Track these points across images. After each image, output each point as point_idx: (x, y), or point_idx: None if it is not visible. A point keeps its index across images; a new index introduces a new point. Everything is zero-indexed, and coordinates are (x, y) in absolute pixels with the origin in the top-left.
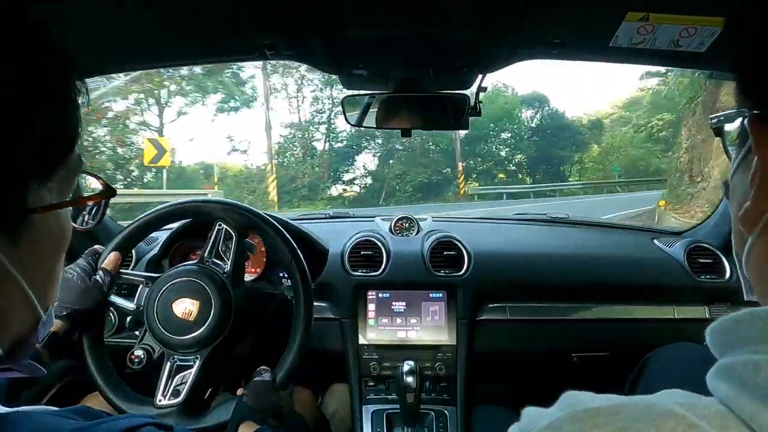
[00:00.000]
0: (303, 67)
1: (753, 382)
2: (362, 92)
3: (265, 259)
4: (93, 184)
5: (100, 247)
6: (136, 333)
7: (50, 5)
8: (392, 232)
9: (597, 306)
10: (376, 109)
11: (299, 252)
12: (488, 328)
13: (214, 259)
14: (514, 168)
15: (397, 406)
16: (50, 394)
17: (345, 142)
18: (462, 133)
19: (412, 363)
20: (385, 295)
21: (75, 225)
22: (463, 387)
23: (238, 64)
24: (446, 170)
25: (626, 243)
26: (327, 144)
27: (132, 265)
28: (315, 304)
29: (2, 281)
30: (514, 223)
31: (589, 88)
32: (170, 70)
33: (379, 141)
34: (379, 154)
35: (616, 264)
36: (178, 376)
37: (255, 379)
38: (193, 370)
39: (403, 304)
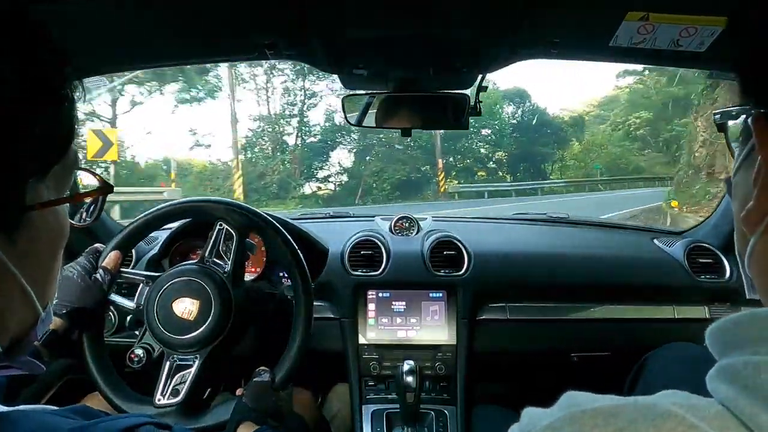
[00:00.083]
0: None
1: (753, 383)
2: (362, 92)
3: (265, 259)
4: (87, 181)
5: (101, 245)
6: (136, 332)
7: (50, 5)
8: (392, 232)
9: (597, 306)
10: (376, 109)
11: (299, 252)
12: (488, 327)
13: (215, 259)
14: (494, 166)
15: (397, 405)
16: (50, 394)
17: (319, 137)
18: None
19: (412, 363)
20: (385, 294)
21: (73, 222)
22: (462, 387)
23: None
24: (425, 167)
25: (626, 243)
26: (299, 139)
27: (132, 264)
28: (315, 303)
29: (1, 278)
30: (514, 223)
31: (567, 85)
32: None
33: (355, 136)
34: (355, 150)
35: (616, 264)
36: (177, 376)
37: (254, 379)
38: (193, 370)
39: (403, 303)
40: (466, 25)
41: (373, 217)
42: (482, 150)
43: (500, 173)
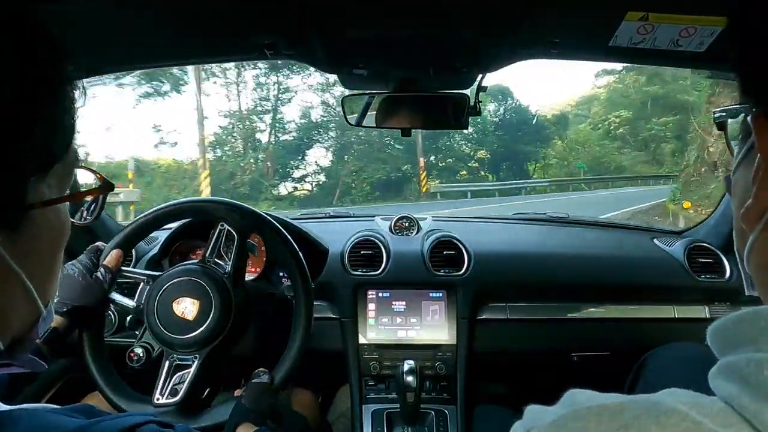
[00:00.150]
0: None
1: (756, 380)
2: (362, 92)
3: (264, 259)
4: (86, 179)
5: (102, 243)
6: (136, 332)
7: (50, 5)
8: (392, 232)
9: (597, 306)
10: (375, 109)
11: (300, 254)
12: (488, 327)
13: (216, 259)
14: (476, 165)
15: (398, 405)
16: (50, 393)
17: (294, 135)
18: None
19: (412, 362)
20: (385, 294)
21: (73, 220)
22: (463, 386)
23: None
24: (406, 167)
25: (626, 243)
26: (272, 136)
27: (132, 264)
28: (315, 303)
29: (3, 277)
30: (514, 222)
31: (548, 83)
32: None
33: (333, 134)
34: (333, 149)
35: (616, 264)
36: (176, 375)
37: (253, 380)
38: (192, 370)
39: (403, 303)
40: (466, 25)
41: (373, 217)
42: (464, 148)
43: (482, 172)
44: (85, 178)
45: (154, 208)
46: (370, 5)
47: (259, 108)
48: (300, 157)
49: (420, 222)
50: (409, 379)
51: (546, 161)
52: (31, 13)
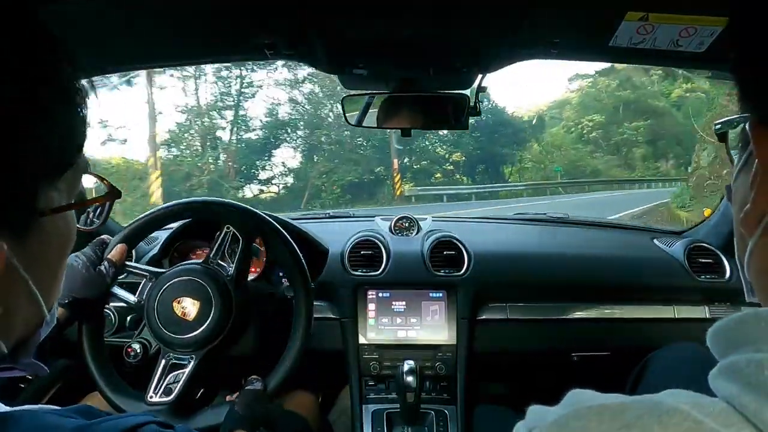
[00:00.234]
0: None
1: (756, 380)
2: (362, 92)
3: (264, 259)
4: (90, 184)
5: (108, 237)
6: (136, 332)
7: (50, 5)
8: (392, 232)
9: (597, 306)
10: (376, 109)
11: (299, 254)
12: (488, 327)
13: (219, 261)
14: (451, 167)
15: (398, 405)
16: (50, 394)
17: (259, 133)
18: None
19: (412, 362)
20: (385, 294)
21: (79, 226)
22: (463, 386)
23: None
24: (379, 168)
25: (626, 243)
26: (234, 134)
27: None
28: (315, 303)
29: (11, 282)
30: (514, 223)
31: (524, 85)
32: None
33: (301, 133)
34: (301, 149)
35: (616, 264)
36: (171, 375)
37: (246, 387)
38: (187, 370)
39: (403, 303)
40: (466, 25)
41: (373, 217)
42: (439, 150)
43: (457, 175)
44: (89, 182)
45: (161, 206)
46: (370, 5)
47: (220, 103)
48: (266, 158)
49: (420, 222)
50: (409, 379)
51: (522, 164)
52: (31, 13)
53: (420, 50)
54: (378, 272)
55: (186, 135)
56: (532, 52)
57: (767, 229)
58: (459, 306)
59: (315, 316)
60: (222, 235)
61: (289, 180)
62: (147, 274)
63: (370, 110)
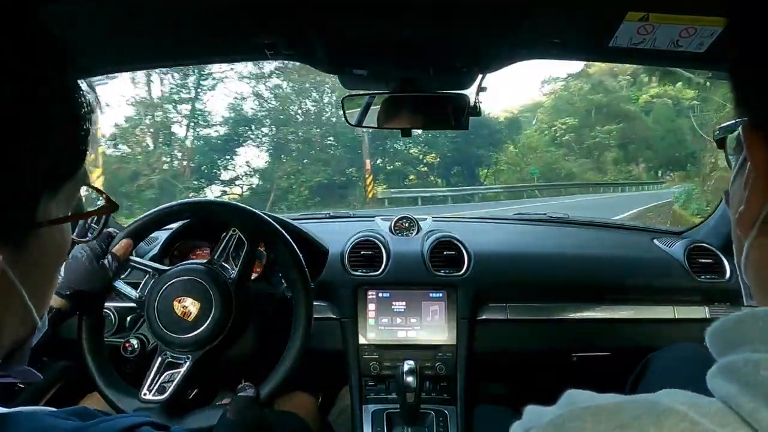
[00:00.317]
0: None
1: (753, 380)
2: (362, 92)
3: (265, 261)
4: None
5: (114, 230)
6: (135, 328)
7: (50, 5)
8: (392, 232)
9: (597, 306)
10: (376, 109)
11: (304, 264)
12: (488, 327)
13: (223, 263)
14: (425, 169)
15: (398, 405)
16: (49, 395)
17: (220, 129)
18: None
19: (412, 363)
20: (385, 294)
21: (74, 237)
22: (463, 387)
23: None
24: (351, 169)
25: (626, 243)
26: (191, 130)
27: None
28: (315, 304)
29: (4, 291)
30: (514, 223)
31: (499, 86)
32: None
33: (266, 130)
34: (267, 147)
35: (616, 264)
36: (166, 373)
37: (238, 394)
38: (182, 370)
39: (403, 303)
40: (466, 25)
41: (374, 217)
42: (413, 151)
43: (431, 177)
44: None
45: (166, 205)
46: (370, 5)
47: (175, 96)
48: (228, 156)
49: (420, 222)
50: (409, 379)
51: (497, 167)
52: (31, 13)
53: (420, 50)
54: (378, 272)
55: (136, 130)
56: (532, 52)
57: (762, 230)
58: (459, 306)
59: (315, 316)
60: (227, 238)
61: (254, 181)
62: (150, 270)
63: (370, 110)
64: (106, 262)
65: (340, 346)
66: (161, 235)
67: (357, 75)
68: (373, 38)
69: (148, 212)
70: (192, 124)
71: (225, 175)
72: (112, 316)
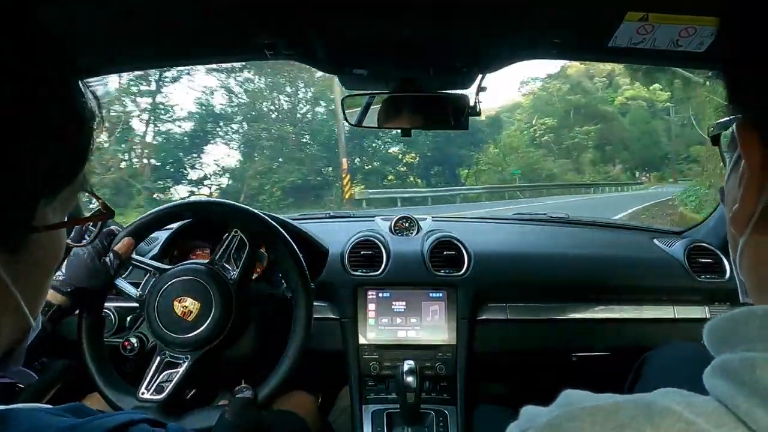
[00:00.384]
0: None
1: (749, 379)
2: (362, 92)
3: (266, 261)
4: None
5: (117, 228)
6: (135, 326)
7: (50, 5)
8: (392, 232)
9: (597, 306)
10: (376, 109)
11: (304, 264)
12: (488, 327)
13: (224, 263)
14: (404, 169)
15: (398, 405)
16: (50, 394)
17: (186, 125)
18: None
19: (412, 363)
20: (385, 294)
21: (69, 242)
22: (463, 387)
23: None
24: (327, 169)
25: (626, 243)
26: (151, 125)
27: None
28: (315, 304)
29: (0, 295)
30: (514, 223)
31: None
32: None
33: (236, 126)
34: (237, 145)
35: (616, 264)
36: (165, 373)
37: (236, 396)
38: (181, 370)
39: (403, 303)
40: (466, 25)
41: (374, 217)
42: (392, 150)
43: (411, 177)
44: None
45: (168, 204)
46: (370, 5)
47: (134, 88)
48: (195, 154)
49: (420, 222)
50: (409, 379)
51: (478, 167)
52: (31, 13)
53: (420, 50)
54: (378, 272)
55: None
56: (532, 52)
57: (756, 228)
58: (459, 306)
59: (315, 316)
60: (229, 239)
61: (224, 180)
62: (151, 269)
63: (370, 110)
64: (107, 260)
65: (340, 346)
66: (161, 235)
67: (357, 75)
68: (373, 38)
69: (150, 212)
70: (153, 118)
71: (192, 175)
72: (112, 316)
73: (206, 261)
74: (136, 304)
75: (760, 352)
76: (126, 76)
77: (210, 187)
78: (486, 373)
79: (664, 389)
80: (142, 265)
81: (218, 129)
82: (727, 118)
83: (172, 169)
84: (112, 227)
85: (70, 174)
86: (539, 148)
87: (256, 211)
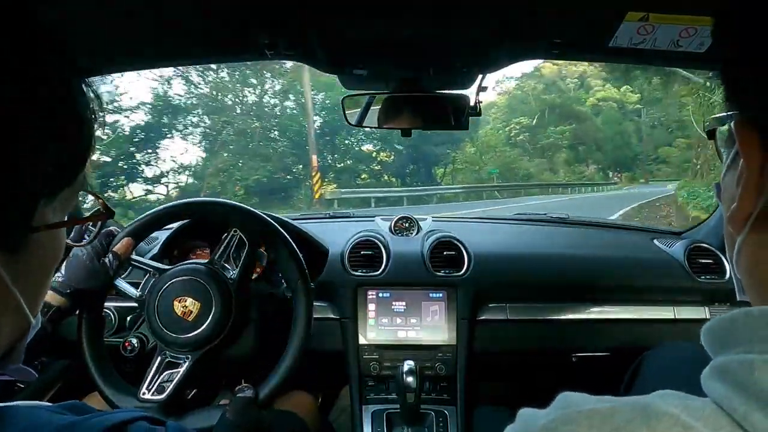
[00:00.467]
0: None
1: (746, 381)
2: (362, 92)
3: (266, 261)
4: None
5: (116, 228)
6: (135, 326)
7: (50, 5)
8: (392, 232)
9: (597, 306)
10: (376, 109)
11: (304, 264)
12: (488, 327)
13: (224, 263)
14: (378, 167)
15: (398, 405)
16: (50, 394)
17: (140, 117)
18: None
19: (412, 363)
20: (385, 294)
21: (68, 242)
22: (463, 387)
23: None
24: (297, 167)
25: (626, 243)
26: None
27: None
28: (315, 304)
29: (0, 294)
30: (514, 223)
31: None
32: None
33: (195, 119)
34: (197, 140)
35: (616, 264)
36: (165, 373)
37: (237, 395)
38: (182, 370)
39: (403, 303)
40: (466, 25)
41: (374, 217)
42: (366, 148)
43: (386, 176)
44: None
45: (167, 204)
46: (370, 5)
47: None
48: (150, 149)
49: (420, 222)
50: (409, 379)
51: (455, 166)
52: (31, 13)
53: (420, 50)
54: (378, 272)
55: None
56: (532, 52)
57: (754, 228)
58: (459, 306)
59: (315, 316)
60: (229, 238)
61: (183, 178)
62: (151, 269)
63: (370, 110)
64: (106, 260)
65: (340, 346)
66: (161, 235)
67: (357, 75)
68: (373, 38)
69: (149, 212)
70: (97, 108)
71: (148, 172)
72: (112, 316)
73: (206, 261)
74: (136, 304)
75: (758, 354)
76: None
77: (167, 186)
78: (486, 374)
79: (662, 391)
80: (142, 266)
81: (176, 122)
82: (725, 114)
83: (125, 166)
84: (111, 228)
85: (71, 174)
86: (515, 147)
87: (255, 210)
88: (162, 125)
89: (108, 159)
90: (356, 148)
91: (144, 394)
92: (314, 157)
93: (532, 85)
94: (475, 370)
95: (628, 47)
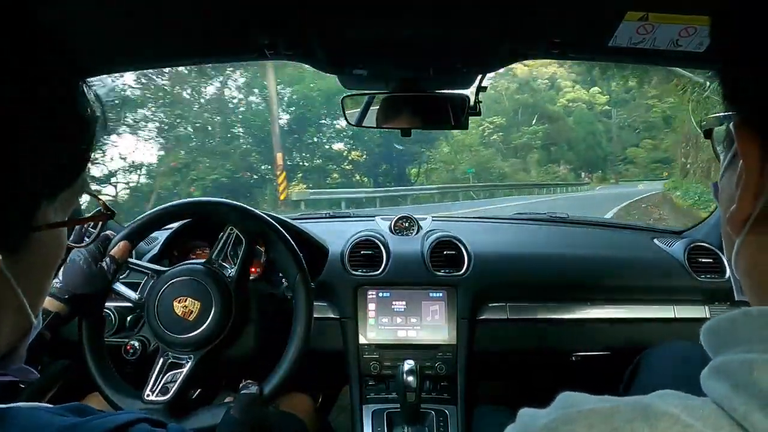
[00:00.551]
0: None
1: (747, 381)
2: (362, 92)
3: (264, 260)
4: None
5: (112, 233)
6: (136, 330)
7: (50, 5)
8: (392, 232)
9: (597, 305)
10: (376, 109)
11: (304, 264)
12: (488, 327)
13: (222, 262)
14: (350, 167)
15: (398, 405)
16: (50, 394)
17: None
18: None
19: (412, 362)
20: (385, 294)
21: (69, 242)
22: (463, 386)
23: None
24: (264, 167)
25: (626, 242)
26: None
27: None
28: (315, 303)
29: (2, 294)
30: (514, 222)
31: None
32: None
33: (148, 113)
34: (149, 136)
35: (616, 264)
36: (169, 374)
37: (242, 392)
38: (185, 370)
39: (404, 303)
40: (466, 25)
41: (374, 217)
42: (336, 146)
43: (357, 176)
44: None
45: (164, 205)
46: (370, 5)
47: None
48: (96, 146)
49: (420, 222)
50: (410, 379)
51: (429, 165)
52: (31, 13)
53: (420, 50)
54: (378, 272)
55: None
56: (532, 52)
57: (753, 229)
58: (459, 306)
59: (315, 316)
60: (225, 236)
61: (134, 178)
62: (149, 271)
63: (370, 110)
64: (104, 264)
65: (340, 346)
66: (161, 236)
67: (357, 75)
68: (373, 38)
69: (146, 213)
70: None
71: (95, 172)
72: (113, 316)
73: (204, 260)
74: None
75: (758, 354)
76: None
77: (116, 186)
78: (486, 373)
79: (662, 391)
80: (140, 269)
81: (125, 117)
82: (723, 114)
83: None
84: (107, 232)
85: (71, 174)
86: (488, 147)
87: (255, 210)
88: (107, 119)
89: None
90: (326, 147)
91: (148, 395)
92: (279, 155)
93: (506, 85)
94: (475, 370)
95: (628, 47)
